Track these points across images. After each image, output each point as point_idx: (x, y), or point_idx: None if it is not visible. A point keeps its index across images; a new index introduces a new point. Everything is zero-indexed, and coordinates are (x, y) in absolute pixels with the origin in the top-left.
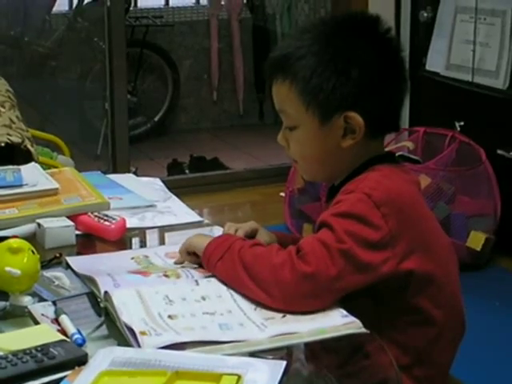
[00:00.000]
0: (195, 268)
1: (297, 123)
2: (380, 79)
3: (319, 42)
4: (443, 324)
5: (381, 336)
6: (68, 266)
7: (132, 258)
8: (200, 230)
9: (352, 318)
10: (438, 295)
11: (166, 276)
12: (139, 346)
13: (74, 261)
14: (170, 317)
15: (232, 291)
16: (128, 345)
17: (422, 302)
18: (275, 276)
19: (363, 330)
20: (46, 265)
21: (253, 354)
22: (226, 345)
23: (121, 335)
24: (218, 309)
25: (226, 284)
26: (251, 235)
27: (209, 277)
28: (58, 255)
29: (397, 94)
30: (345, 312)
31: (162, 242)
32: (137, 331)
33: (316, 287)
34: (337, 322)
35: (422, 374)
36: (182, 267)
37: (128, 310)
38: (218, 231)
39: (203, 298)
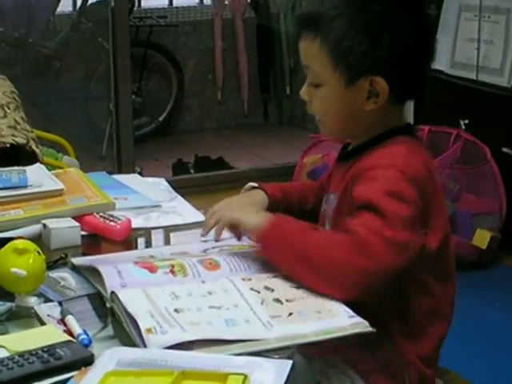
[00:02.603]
0: (201, 261)
1: (322, 81)
2: (410, 47)
3: (354, 4)
4: (441, 296)
5: (383, 306)
6: (73, 267)
7: (138, 258)
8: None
9: (359, 319)
10: (441, 269)
11: (173, 272)
12: (145, 344)
13: (79, 261)
14: (176, 310)
15: (239, 286)
16: (134, 345)
17: (425, 275)
18: (336, 269)
19: (370, 329)
20: (52, 266)
21: (259, 354)
22: (233, 345)
23: (127, 335)
24: (224, 303)
25: (232, 281)
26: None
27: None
28: (63, 256)
29: (423, 63)
30: (351, 312)
31: (167, 242)
32: (142, 329)
33: (376, 279)
34: (344, 323)
35: (421, 348)
36: (190, 258)
37: (134, 304)
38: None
39: (209, 293)
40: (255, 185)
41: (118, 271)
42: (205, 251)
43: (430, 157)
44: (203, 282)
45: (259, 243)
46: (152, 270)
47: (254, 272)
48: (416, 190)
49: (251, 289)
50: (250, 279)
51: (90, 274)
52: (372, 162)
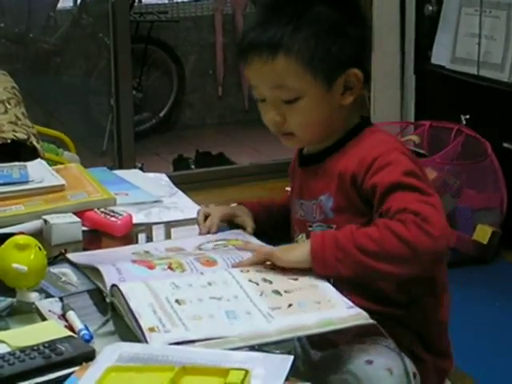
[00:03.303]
0: (198, 259)
1: (300, 94)
2: (366, 33)
3: (302, 15)
4: (444, 283)
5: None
6: (73, 263)
7: (133, 254)
8: None
9: (358, 310)
10: None
11: (171, 269)
12: (147, 340)
13: (75, 257)
14: (177, 301)
15: (238, 278)
16: (135, 340)
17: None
18: (416, 249)
19: (370, 321)
20: (52, 261)
21: (260, 348)
22: (234, 337)
23: (128, 330)
24: (224, 294)
25: (231, 272)
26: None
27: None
28: (63, 251)
29: (370, 42)
30: (350, 303)
31: (168, 237)
32: (145, 328)
33: (447, 242)
34: (343, 314)
35: (446, 316)
36: (186, 256)
37: (136, 296)
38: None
39: (209, 284)
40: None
41: (116, 269)
42: (200, 246)
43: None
44: (202, 273)
45: (316, 265)
46: (150, 267)
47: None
48: (418, 167)
49: (250, 280)
50: (248, 271)
51: (89, 270)
52: (370, 155)
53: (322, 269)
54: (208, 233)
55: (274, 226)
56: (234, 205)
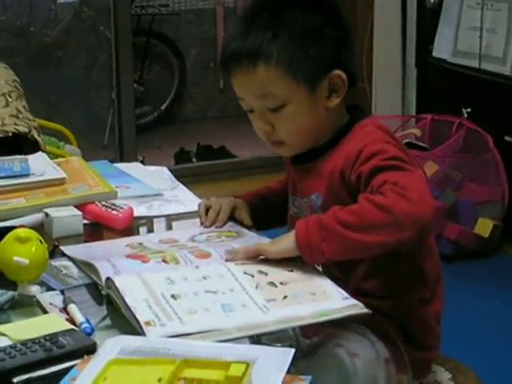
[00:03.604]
0: (192, 252)
1: (285, 101)
2: (346, 33)
3: (278, 21)
4: (436, 276)
5: (404, 272)
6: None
7: (126, 246)
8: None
9: (353, 301)
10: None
11: (165, 262)
12: (144, 332)
13: (70, 250)
14: (173, 296)
15: (233, 271)
16: (136, 333)
17: (429, 237)
18: (395, 214)
19: (365, 310)
20: (52, 254)
21: (260, 342)
22: (230, 328)
23: (128, 324)
24: (219, 287)
25: (226, 265)
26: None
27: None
28: (56, 243)
29: (352, 43)
30: (345, 294)
31: (169, 230)
32: (141, 322)
33: (430, 206)
34: (338, 305)
35: (439, 308)
36: (180, 249)
37: (131, 291)
38: None
39: (204, 278)
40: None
41: (111, 264)
42: (193, 237)
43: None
44: (197, 267)
45: (302, 250)
46: (144, 260)
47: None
48: (405, 153)
49: (245, 273)
50: (243, 263)
51: (84, 265)
52: (356, 148)
53: (309, 253)
54: (210, 226)
55: (271, 216)
56: (230, 198)
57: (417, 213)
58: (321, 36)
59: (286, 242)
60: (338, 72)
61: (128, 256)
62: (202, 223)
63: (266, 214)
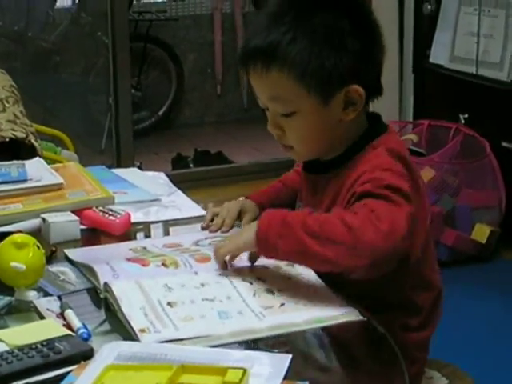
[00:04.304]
0: (193, 256)
1: (296, 108)
2: (368, 44)
3: (303, 22)
4: (440, 287)
5: (392, 300)
6: (70, 261)
7: (130, 250)
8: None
9: (350, 308)
10: (432, 259)
11: (165, 265)
12: (139, 340)
13: (73, 253)
14: (169, 304)
15: (231, 278)
16: (132, 338)
17: (422, 267)
18: (358, 239)
19: (361, 317)
20: (50, 260)
21: (257, 347)
22: (223, 334)
23: (126, 330)
24: (217, 295)
25: (225, 275)
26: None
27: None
28: (53, 249)
29: (381, 57)
30: (343, 301)
31: (166, 236)
32: (136, 329)
33: (395, 245)
34: (335, 311)
35: (426, 336)
36: (182, 253)
37: (128, 299)
38: None
39: (202, 285)
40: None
41: (110, 266)
42: (197, 242)
43: (404, 144)
44: (196, 273)
45: (258, 242)
46: (144, 264)
47: (246, 263)
48: (407, 180)
49: (243, 280)
50: (241, 269)
51: (84, 268)
52: (358, 175)
53: (264, 247)
54: (216, 231)
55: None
56: (241, 199)
57: (378, 245)
58: (341, 47)
59: (247, 234)
60: (354, 87)
61: (128, 259)
62: (203, 228)
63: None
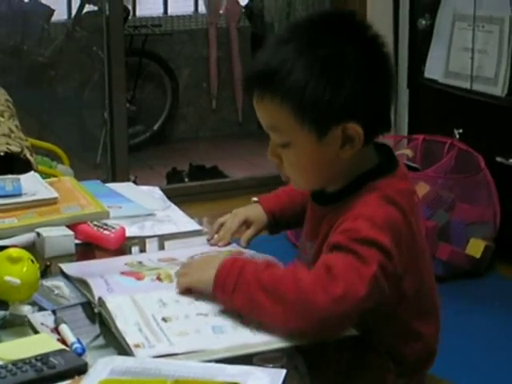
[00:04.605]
0: None
1: (291, 140)
2: (372, 82)
3: (305, 53)
4: (432, 341)
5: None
6: (65, 276)
7: (126, 264)
8: (199, 238)
9: None
10: (422, 308)
11: (159, 279)
12: (134, 354)
13: (67, 267)
14: (164, 319)
15: None
16: (127, 352)
17: (410, 319)
18: (307, 301)
19: (354, 332)
20: (44, 274)
21: (251, 362)
22: (218, 348)
23: (120, 344)
24: (211, 309)
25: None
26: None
27: None
28: (48, 263)
29: (388, 93)
30: None
31: (161, 250)
32: (131, 344)
33: (346, 309)
34: None
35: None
36: (177, 266)
37: (123, 314)
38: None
39: (197, 299)
40: (256, 199)
41: (104, 280)
42: (192, 257)
43: (410, 191)
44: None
45: (216, 287)
46: (139, 278)
47: None
48: (388, 236)
49: None
50: None
51: (78, 282)
52: (346, 216)
53: (220, 293)
54: (215, 244)
55: (297, 219)
56: (254, 199)
57: (326, 309)
58: (339, 84)
59: (208, 275)
60: (350, 125)
61: (122, 273)
62: (208, 240)
63: (291, 218)
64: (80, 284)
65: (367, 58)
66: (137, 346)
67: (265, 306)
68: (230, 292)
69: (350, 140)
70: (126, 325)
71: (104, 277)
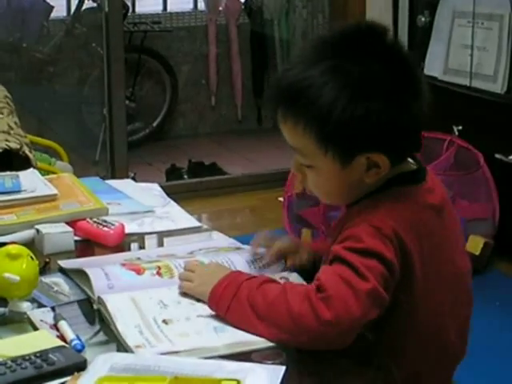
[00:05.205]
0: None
1: (314, 164)
2: (403, 110)
3: (331, 81)
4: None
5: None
6: (63, 271)
7: (125, 260)
8: (198, 235)
9: None
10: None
11: (159, 274)
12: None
13: (66, 263)
14: (164, 321)
15: None
16: (126, 350)
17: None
18: (299, 326)
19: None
20: (43, 271)
21: (251, 359)
22: (220, 345)
23: (120, 341)
24: (211, 311)
25: None
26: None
27: None
28: (47, 260)
29: (418, 115)
30: None
31: (160, 247)
32: (132, 345)
33: (342, 330)
34: None
35: None
36: (176, 259)
37: (123, 316)
38: (216, 235)
39: (198, 300)
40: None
41: (105, 273)
42: (191, 253)
43: (429, 205)
44: None
45: (211, 301)
46: (139, 271)
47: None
48: (391, 246)
49: None
50: None
51: (78, 277)
52: (353, 223)
53: (215, 308)
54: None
55: None
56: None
57: (318, 333)
58: (366, 113)
59: (207, 288)
60: (375, 155)
61: (123, 265)
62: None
63: None
64: (79, 279)
65: (400, 85)
66: (138, 346)
67: (258, 328)
68: (224, 311)
69: (376, 165)
70: (127, 327)
71: (104, 269)
